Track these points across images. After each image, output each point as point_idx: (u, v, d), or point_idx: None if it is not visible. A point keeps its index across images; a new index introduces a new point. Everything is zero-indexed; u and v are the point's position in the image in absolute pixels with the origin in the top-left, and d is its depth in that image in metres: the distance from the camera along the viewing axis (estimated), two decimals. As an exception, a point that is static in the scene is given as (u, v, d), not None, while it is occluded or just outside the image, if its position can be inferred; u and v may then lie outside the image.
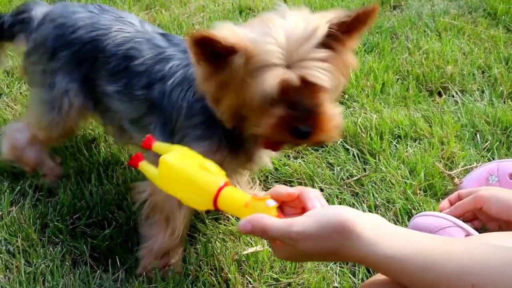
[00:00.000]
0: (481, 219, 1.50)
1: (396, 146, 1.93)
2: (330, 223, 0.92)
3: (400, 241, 0.91)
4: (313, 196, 1.00)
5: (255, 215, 0.96)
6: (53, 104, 1.60)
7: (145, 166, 1.13)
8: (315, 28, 1.15)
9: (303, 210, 0.99)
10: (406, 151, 1.90)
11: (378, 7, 1.21)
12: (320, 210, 0.97)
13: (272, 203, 0.98)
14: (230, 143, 1.36)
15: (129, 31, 1.54)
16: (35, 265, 1.48)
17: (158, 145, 1.17)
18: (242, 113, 1.23)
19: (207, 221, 1.64)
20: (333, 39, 1.17)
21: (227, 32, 1.14)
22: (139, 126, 1.53)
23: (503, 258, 0.86)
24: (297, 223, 0.93)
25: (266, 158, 1.48)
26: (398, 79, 2.31)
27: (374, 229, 0.92)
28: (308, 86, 1.16)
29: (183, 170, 1.07)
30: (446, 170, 1.80)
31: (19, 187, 1.72)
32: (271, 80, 1.12)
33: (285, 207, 1.02)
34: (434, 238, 0.99)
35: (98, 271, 1.48)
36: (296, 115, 1.17)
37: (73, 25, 1.57)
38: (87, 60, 1.55)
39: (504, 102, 2.18)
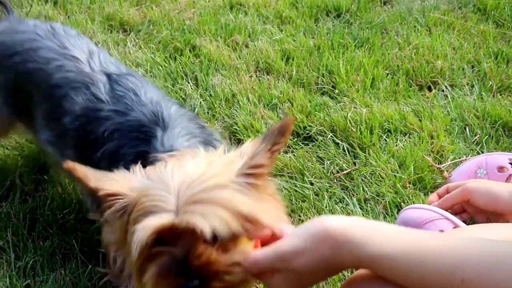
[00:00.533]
0: (469, 212, 1.51)
1: (386, 140, 1.94)
2: (314, 234, 0.92)
3: (388, 239, 0.91)
4: (280, 229, 0.99)
5: (243, 251, 0.96)
6: None
7: None
8: (215, 173, 0.98)
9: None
10: (396, 145, 1.91)
11: (293, 121, 1.07)
12: (299, 228, 0.97)
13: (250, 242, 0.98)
14: None
15: (69, 70, 1.38)
16: (25, 259, 1.48)
17: None
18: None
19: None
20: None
21: (111, 181, 1.01)
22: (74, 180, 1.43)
23: (491, 252, 0.87)
24: (283, 243, 0.94)
25: None
26: (388, 74, 2.32)
27: (357, 230, 0.92)
28: (194, 234, 0.93)
29: None
30: (436, 163, 1.82)
31: (8, 182, 1.72)
32: (148, 225, 0.93)
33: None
34: (421, 233, 0.98)
35: (90, 266, 1.49)
36: (177, 270, 0.95)
37: (11, 48, 1.46)
38: (22, 91, 1.44)
39: (494, 96, 2.19)
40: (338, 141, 1.93)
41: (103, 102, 1.31)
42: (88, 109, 1.32)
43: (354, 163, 1.85)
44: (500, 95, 2.20)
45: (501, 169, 1.63)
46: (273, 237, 0.99)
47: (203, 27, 2.64)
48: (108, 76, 1.38)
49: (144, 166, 1.06)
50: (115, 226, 1.04)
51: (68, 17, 2.73)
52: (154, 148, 1.19)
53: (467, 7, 2.90)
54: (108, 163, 1.23)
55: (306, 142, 1.93)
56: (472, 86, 2.27)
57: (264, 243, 0.99)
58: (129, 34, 2.61)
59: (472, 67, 2.40)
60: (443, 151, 1.89)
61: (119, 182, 1.01)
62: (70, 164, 1.00)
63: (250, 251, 0.96)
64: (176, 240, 0.94)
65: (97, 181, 1.00)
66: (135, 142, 1.23)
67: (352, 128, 1.96)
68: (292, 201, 1.68)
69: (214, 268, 0.94)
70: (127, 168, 1.15)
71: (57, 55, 1.41)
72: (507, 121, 2.00)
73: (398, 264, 0.89)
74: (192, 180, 0.95)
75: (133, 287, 1.30)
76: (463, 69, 2.36)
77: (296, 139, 1.95)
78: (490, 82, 2.26)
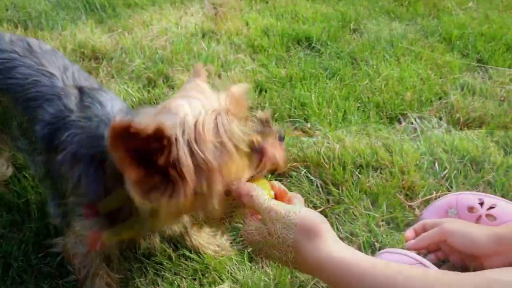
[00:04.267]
0: (444, 250, 1.55)
1: (358, 176, 1.97)
2: (306, 219, 1.03)
3: (361, 254, 1.02)
4: (298, 200, 1.15)
5: (255, 185, 1.10)
6: None
7: None
8: None
9: None
10: (368, 181, 1.95)
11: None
12: (304, 208, 1.07)
13: (273, 195, 1.15)
14: (112, 222, 1.29)
15: (44, 85, 1.46)
16: (-1, 308, 1.46)
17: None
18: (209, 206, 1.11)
19: (174, 258, 1.64)
20: None
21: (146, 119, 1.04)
22: (44, 187, 1.53)
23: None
24: (280, 206, 1.06)
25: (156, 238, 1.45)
26: (359, 107, 2.36)
27: (338, 241, 1.03)
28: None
29: None
30: (407, 200, 1.86)
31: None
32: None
33: None
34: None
35: (64, 313, 1.47)
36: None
37: None
38: (3, 105, 1.52)
39: (461, 129, 2.26)
40: (312, 177, 1.96)
41: (71, 111, 1.39)
42: (57, 117, 1.39)
43: (328, 200, 1.88)
44: (467, 128, 2.26)
45: (471, 209, 1.67)
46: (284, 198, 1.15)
47: (176, 56, 2.65)
48: (80, 89, 1.46)
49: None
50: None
51: (39, 44, 2.69)
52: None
53: (433, 36, 2.99)
54: (69, 165, 1.30)
55: (280, 178, 1.95)
56: (440, 118, 2.33)
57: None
58: (102, 63, 2.60)
59: (440, 99, 2.47)
60: (414, 187, 1.93)
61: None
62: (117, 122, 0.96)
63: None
64: None
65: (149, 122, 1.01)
66: (93, 143, 1.29)
67: (326, 164, 1.99)
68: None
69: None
70: (87, 169, 1.27)
71: (34, 71, 1.49)
72: (474, 156, 2.06)
73: (360, 273, 0.98)
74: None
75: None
76: (431, 101, 2.42)
77: (270, 175, 1.97)
78: (457, 115, 2.32)
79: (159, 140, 0.99)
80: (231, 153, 1.07)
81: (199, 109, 1.08)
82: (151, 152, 1.00)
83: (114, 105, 1.42)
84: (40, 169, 1.46)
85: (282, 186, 1.19)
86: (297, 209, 1.05)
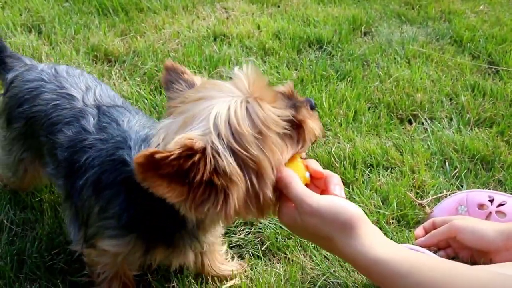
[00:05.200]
0: (454, 247, 1.56)
1: (369, 176, 1.98)
2: (339, 213, 1.02)
3: (392, 249, 1.02)
4: (336, 182, 1.11)
5: (290, 171, 1.06)
6: (10, 168, 1.71)
7: None
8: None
9: (322, 192, 1.11)
10: (379, 180, 1.95)
11: None
12: (337, 200, 1.06)
13: (308, 177, 1.12)
14: (147, 241, 1.28)
15: (65, 108, 1.46)
16: (12, 303, 1.48)
17: None
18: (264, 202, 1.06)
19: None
20: None
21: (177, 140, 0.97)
22: (65, 208, 1.52)
23: (483, 276, 0.98)
24: (314, 197, 1.04)
25: (190, 253, 1.36)
26: (370, 107, 2.37)
27: (372, 234, 1.02)
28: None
29: None
30: (417, 199, 1.86)
31: (-4, 222, 1.72)
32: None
33: (310, 183, 1.13)
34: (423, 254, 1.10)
35: (77, 309, 1.49)
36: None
37: (21, 97, 1.55)
38: (34, 134, 1.53)
39: (471, 129, 2.26)
40: (322, 176, 1.97)
41: (89, 133, 1.37)
42: (75, 140, 1.38)
43: (339, 199, 1.88)
44: (478, 128, 2.26)
45: (481, 206, 1.69)
46: (323, 185, 1.12)
47: (188, 58, 2.68)
48: (98, 108, 1.44)
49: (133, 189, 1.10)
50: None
51: (53, 47, 2.74)
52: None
53: (444, 39, 3.00)
54: (93, 190, 1.29)
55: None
56: (451, 119, 2.33)
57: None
58: (114, 66, 2.63)
59: (450, 100, 2.47)
60: (424, 185, 1.94)
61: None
62: (139, 156, 0.91)
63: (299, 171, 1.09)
64: None
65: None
66: (115, 167, 1.26)
67: (336, 163, 2.00)
68: (277, 239, 1.70)
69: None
70: (115, 196, 1.24)
71: (55, 95, 1.49)
72: (484, 155, 2.06)
73: (394, 270, 0.98)
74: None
75: None
76: (441, 102, 2.43)
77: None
78: (468, 115, 2.33)
79: (191, 157, 0.94)
80: (273, 138, 1.02)
81: (226, 106, 1.01)
82: (188, 170, 0.95)
83: (130, 120, 1.39)
84: (62, 192, 1.48)
85: (318, 166, 1.14)
86: (330, 201, 1.04)
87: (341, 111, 2.31)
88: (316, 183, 1.14)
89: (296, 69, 2.66)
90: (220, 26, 3.05)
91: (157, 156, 0.90)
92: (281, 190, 1.07)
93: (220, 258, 1.59)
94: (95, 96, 1.49)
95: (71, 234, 1.45)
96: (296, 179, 1.05)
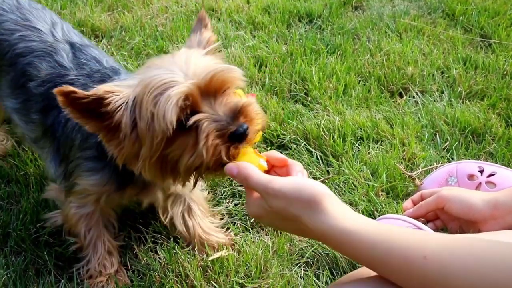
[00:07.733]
0: (442, 219, 1.54)
1: (358, 148, 1.96)
2: (303, 189, 1.01)
3: (362, 220, 1.00)
4: (299, 169, 1.11)
5: (244, 163, 1.08)
6: None
7: None
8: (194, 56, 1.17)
9: None
10: (368, 152, 1.93)
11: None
12: (300, 179, 1.07)
13: (264, 164, 1.12)
14: (119, 179, 1.32)
15: (33, 40, 1.44)
16: (-3, 276, 1.46)
17: None
18: (168, 158, 1.15)
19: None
20: None
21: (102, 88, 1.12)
22: (38, 146, 1.52)
23: (455, 237, 0.96)
24: (276, 181, 1.03)
25: (159, 193, 1.46)
26: (360, 81, 2.35)
27: (340, 207, 1.00)
28: (213, 90, 1.12)
29: None
30: (407, 171, 1.85)
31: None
32: (176, 91, 1.06)
33: (271, 172, 1.14)
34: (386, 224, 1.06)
35: (62, 281, 1.47)
36: (225, 121, 1.09)
37: None
38: None
39: (463, 102, 2.24)
40: (311, 149, 1.95)
41: (67, 69, 1.40)
42: (53, 75, 1.40)
43: (328, 172, 1.87)
44: (469, 101, 2.24)
45: (471, 177, 1.67)
46: (285, 173, 1.12)
47: (176, 33, 2.64)
48: (71, 45, 1.46)
49: None
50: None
51: (38, 23, 2.68)
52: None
53: (436, 12, 2.96)
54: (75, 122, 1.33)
55: (280, 150, 1.94)
56: (442, 92, 2.31)
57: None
58: (101, 41, 2.59)
59: (442, 73, 2.44)
60: (414, 158, 1.92)
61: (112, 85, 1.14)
62: (62, 89, 1.06)
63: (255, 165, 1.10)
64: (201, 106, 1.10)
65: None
66: None
67: (325, 136, 1.97)
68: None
69: (252, 114, 1.12)
70: None
71: (20, 27, 1.48)
72: (475, 128, 2.04)
73: (366, 240, 0.96)
74: (184, 62, 1.11)
75: (99, 256, 1.47)
76: (433, 75, 2.40)
77: (270, 147, 1.96)
78: (459, 88, 2.30)
79: (101, 102, 1.10)
80: (159, 127, 1.08)
81: (157, 79, 1.10)
82: (99, 111, 1.10)
83: (109, 61, 1.44)
84: (36, 127, 1.45)
85: (280, 155, 1.15)
86: (292, 181, 1.03)
87: (331, 85, 2.28)
88: (279, 172, 1.14)
89: (285, 43, 2.63)
90: (209, 0, 3.01)
91: (73, 95, 1.06)
92: (243, 184, 1.10)
93: (207, 224, 1.61)
94: (64, 31, 1.51)
95: (51, 170, 1.47)
96: (253, 168, 1.07)
